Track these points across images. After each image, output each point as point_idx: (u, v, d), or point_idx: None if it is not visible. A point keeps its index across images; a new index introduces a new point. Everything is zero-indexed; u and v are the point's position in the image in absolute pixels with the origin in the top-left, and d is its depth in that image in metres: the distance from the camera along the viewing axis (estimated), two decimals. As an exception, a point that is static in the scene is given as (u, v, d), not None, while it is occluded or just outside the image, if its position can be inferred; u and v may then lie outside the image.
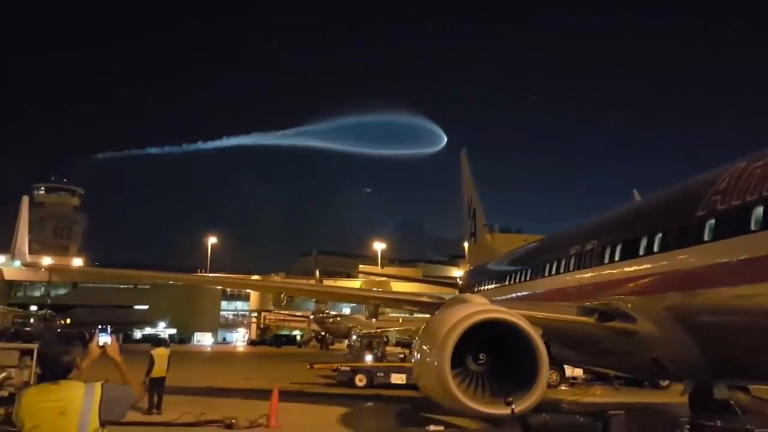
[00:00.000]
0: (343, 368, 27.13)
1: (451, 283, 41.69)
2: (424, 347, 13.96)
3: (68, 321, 71.44)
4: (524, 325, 12.72)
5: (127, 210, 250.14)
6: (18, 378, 12.81)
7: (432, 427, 7.74)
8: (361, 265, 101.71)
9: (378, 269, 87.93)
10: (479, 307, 13.43)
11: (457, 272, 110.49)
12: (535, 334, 12.64)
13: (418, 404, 21.46)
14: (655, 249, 13.11)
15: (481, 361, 13.28)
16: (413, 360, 14.99)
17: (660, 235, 13.03)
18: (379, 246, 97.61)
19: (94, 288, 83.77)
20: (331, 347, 78.06)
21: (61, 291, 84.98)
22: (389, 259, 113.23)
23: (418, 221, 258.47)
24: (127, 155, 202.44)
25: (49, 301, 64.19)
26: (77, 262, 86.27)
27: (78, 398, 4.21)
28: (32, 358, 13.00)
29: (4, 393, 12.63)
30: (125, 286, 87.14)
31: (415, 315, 69.46)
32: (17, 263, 34.39)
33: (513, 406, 8.22)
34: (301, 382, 26.96)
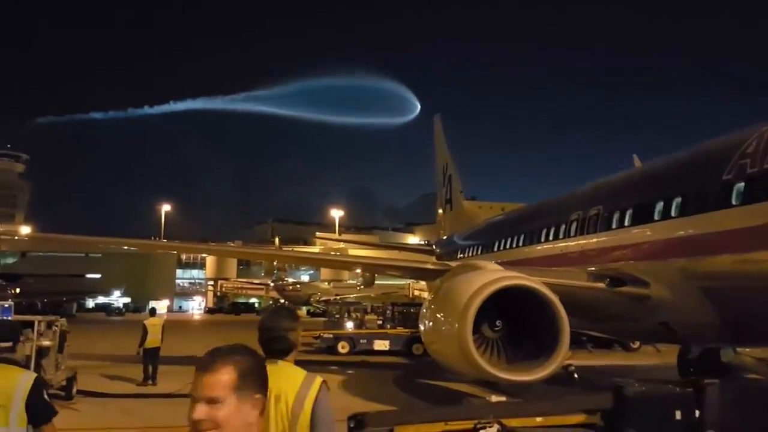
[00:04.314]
0: (326, 335, 27.00)
1: (421, 249, 41.66)
2: (438, 314, 13.78)
3: (17, 291, 69.13)
4: (546, 291, 12.70)
5: (75, 178, 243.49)
6: (20, 351, 12.02)
7: (494, 398, 7.59)
8: (318, 232, 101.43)
9: (336, 236, 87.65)
10: (498, 273, 13.30)
11: (413, 239, 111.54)
12: (557, 301, 12.62)
13: (410, 369, 21.50)
14: (673, 213, 13.06)
15: (497, 328, 13.20)
16: (422, 327, 14.76)
17: (679, 199, 12.98)
18: (336, 213, 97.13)
19: (44, 257, 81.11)
20: (290, 314, 77.95)
21: (10, 260, 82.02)
22: (345, 227, 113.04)
23: (369, 189, 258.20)
24: (71, 120, 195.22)
25: (-1, 271, 61.82)
26: (25, 230, 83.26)
27: (295, 383, 3.55)
28: (33, 330, 12.31)
29: None
30: (76, 255, 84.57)
31: (374, 283, 69.87)
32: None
33: (575, 375, 8.04)
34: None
